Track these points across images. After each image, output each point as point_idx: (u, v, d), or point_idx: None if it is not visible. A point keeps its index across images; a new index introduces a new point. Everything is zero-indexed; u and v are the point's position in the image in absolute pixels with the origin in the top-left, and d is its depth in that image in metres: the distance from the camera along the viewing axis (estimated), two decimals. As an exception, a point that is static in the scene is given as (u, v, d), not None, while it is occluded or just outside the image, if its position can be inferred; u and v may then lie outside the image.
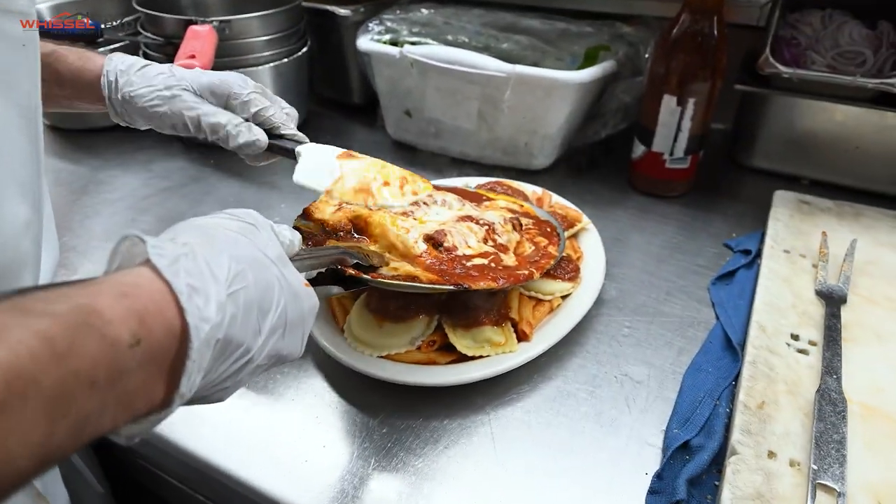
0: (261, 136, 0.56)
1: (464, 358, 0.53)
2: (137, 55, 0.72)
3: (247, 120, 0.56)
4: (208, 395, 0.32)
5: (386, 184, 0.58)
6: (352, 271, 0.46)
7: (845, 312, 0.59)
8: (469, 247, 0.55)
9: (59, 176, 0.91)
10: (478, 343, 0.53)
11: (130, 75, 0.56)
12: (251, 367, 0.32)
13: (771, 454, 0.46)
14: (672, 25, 0.76)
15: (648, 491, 0.46)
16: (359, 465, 0.48)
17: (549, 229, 0.64)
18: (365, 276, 0.47)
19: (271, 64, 0.89)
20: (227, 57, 0.86)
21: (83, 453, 0.60)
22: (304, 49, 0.95)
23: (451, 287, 0.48)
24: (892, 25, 0.81)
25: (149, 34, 0.86)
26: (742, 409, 0.49)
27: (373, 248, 0.53)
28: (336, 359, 0.53)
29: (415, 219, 0.56)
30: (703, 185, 0.86)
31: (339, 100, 1.10)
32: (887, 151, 0.80)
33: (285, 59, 0.91)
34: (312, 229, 0.56)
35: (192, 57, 0.67)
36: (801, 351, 0.55)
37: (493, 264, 0.53)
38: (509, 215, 0.61)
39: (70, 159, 0.95)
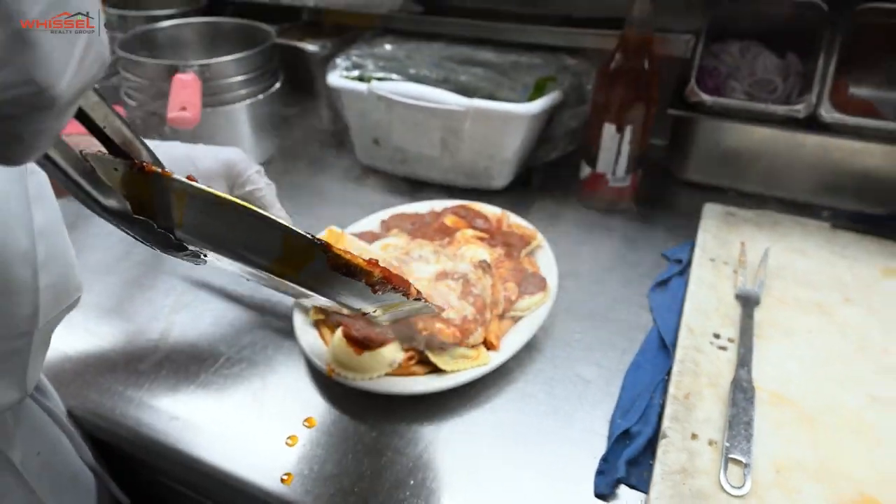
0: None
1: (439, 369, 0.61)
2: (119, 97, 0.77)
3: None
4: None
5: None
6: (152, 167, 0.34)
7: (759, 312, 0.70)
8: (452, 307, 0.63)
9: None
10: (455, 359, 0.62)
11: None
12: None
13: (694, 436, 0.56)
14: (609, 60, 0.85)
15: (596, 472, 0.55)
16: (354, 464, 0.56)
17: (515, 253, 0.74)
18: (172, 174, 0.33)
19: (247, 101, 0.96)
20: (204, 96, 0.92)
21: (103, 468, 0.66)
22: (277, 84, 1.02)
23: (306, 235, 0.36)
24: (797, 56, 0.93)
25: (130, 75, 0.91)
26: (672, 400, 0.59)
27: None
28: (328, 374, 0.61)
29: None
30: (645, 199, 0.96)
31: (311, 128, 1.17)
32: (798, 166, 0.92)
33: (260, 96, 0.98)
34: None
35: (184, 109, 0.74)
36: (721, 348, 0.65)
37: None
38: (478, 256, 0.70)
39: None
